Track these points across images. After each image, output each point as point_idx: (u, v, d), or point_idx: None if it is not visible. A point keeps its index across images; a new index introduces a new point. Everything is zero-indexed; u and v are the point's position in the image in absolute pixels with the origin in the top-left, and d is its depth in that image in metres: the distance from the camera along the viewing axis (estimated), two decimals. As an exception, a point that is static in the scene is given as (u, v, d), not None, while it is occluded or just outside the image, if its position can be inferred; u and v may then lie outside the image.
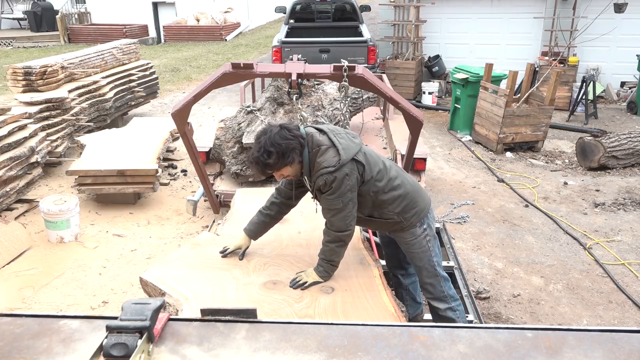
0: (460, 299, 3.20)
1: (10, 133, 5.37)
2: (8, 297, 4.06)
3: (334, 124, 4.93)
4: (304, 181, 2.67)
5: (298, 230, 3.26)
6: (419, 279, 3.02)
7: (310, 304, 2.48)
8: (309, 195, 2.76)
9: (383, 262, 3.32)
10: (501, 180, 6.59)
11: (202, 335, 0.98)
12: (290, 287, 2.61)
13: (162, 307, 0.99)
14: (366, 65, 8.65)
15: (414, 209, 2.76)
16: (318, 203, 2.72)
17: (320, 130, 2.64)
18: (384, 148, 5.64)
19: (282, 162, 2.50)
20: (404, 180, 2.78)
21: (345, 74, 3.67)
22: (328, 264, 2.67)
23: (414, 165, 4.93)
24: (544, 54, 10.09)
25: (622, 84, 10.34)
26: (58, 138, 6.39)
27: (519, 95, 7.90)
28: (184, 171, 6.69)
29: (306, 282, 2.62)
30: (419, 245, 2.83)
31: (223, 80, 3.88)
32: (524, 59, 9.88)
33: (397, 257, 3.21)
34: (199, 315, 1.04)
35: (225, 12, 21.02)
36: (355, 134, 2.71)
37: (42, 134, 5.96)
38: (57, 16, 20.22)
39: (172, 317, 1.03)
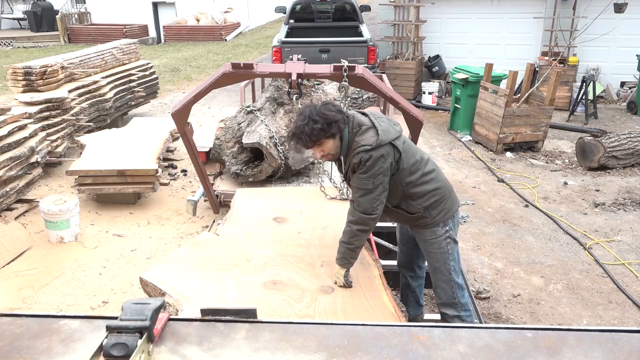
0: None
1: (10, 133, 5.37)
2: (8, 297, 4.06)
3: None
4: (340, 162, 2.74)
5: (298, 230, 3.26)
6: (432, 281, 2.98)
7: (310, 304, 2.48)
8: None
9: (385, 262, 3.32)
10: (501, 180, 6.59)
11: (202, 335, 0.98)
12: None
13: (162, 307, 0.99)
14: (366, 65, 8.65)
15: (442, 207, 2.74)
16: (348, 187, 2.76)
17: (363, 114, 2.70)
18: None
19: (326, 132, 2.56)
20: (439, 177, 2.78)
21: (345, 74, 3.67)
22: (347, 249, 2.65)
23: None
24: (544, 54, 10.09)
25: (622, 84, 10.34)
26: (58, 138, 6.39)
27: (519, 95, 7.89)
28: (184, 171, 6.69)
29: (340, 281, 2.64)
30: (438, 245, 2.80)
31: (223, 80, 3.88)
32: (524, 59, 9.88)
33: (411, 258, 3.20)
34: (199, 315, 1.04)
35: (225, 12, 21.02)
36: (397, 122, 2.74)
37: (42, 134, 5.96)
38: (57, 16, 20.23)
39: (172, 317, 1.02)
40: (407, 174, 2.65)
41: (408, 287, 3.31)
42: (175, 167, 6.78)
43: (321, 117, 2.54)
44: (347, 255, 2.65)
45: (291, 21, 10.72)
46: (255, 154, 4.88)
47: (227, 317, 1.02)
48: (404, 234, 3.12)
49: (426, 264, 3.25)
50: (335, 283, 2.66)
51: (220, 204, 4.87)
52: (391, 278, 3.34)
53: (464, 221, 5.39)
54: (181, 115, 3.97)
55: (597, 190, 6.24)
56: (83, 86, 7.35)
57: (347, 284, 2.63)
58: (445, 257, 2.82)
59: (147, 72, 9.12)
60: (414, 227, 2.88)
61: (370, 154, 2.51)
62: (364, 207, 2.59)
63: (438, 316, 3.46)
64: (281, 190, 4.39)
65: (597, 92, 9.39)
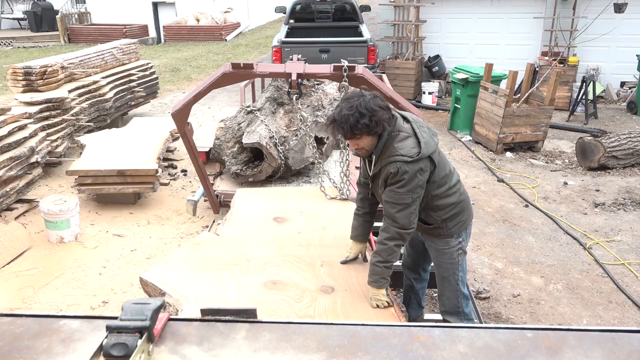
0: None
1: (10, 133, 5.37)
2: (8, 297, 4.06)
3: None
4: (371, 159, 2.58)
5: (298, 230, 3.26)
6: (438, 289, 2.96)
7: (310, 304, 2.48)
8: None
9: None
10: (501, 180, 6.59)
11: (202, 335, 0.98)
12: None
13: (162, 307, 0.99)
14: (366, 65, 8.64)
15: (459, 219, 2.71)
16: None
17: (404, 118, 2.56)
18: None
19: (370, 129, 2.38)
20: (461, 189, 2.73)
21: (345, 74, 3.67)
22: (384, 268, 2.53)
23: None
24: (544, 54, 10.09)
25: (622, 84, 10.34)
26: (58, 138, 6.39)
27: (519, 95, 7.89)
28: (184, 171, 6.69)
29: (383, 301, 2.51)
30: (449, 255, 2.78)
31: (223, 80, 3.88)
32: (524, 59, 9.88)
33: (417, 261, 3.18)
34: (199, 315, 1.04)
35: (225, 12, 21.02)
36: (435, 132, 2.62)
37: (42, 134, 5.96)
38: (57, 16, 20.22)
39: (172, 317, 1.02)
40: (435, 187, 2.57)
41: (411, 290, 3.30)
42: (175, 167, 6.78)
43: (369, 111, 2.35)
44: (384, 274, 2.54)
45: (291, 21, 10.72)
46: (255, 154, 4.88)
47: (227, 317, 1.02)
48: (414, 238, 3.05)
49: (431, 266, 3.26)
50: (378, 307, 2.51)
51: (220, 204, 4.87)
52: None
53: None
54: (181, 115, 3.97)
55: (597, 190, 6.24)
56: (83, 86, 7.35)
57: (390, 302, 2.53)
58: (454, 268, 2.81)
59: (147, 72, 9.12)
60: (425, 234, 2.84)
61: (408, 166, 2.39)
62: (401, 223, 2.48)
63: (438, 316, 3.47)
64: (281, 190, 4.39)
65: (597, 92, 9.39)
